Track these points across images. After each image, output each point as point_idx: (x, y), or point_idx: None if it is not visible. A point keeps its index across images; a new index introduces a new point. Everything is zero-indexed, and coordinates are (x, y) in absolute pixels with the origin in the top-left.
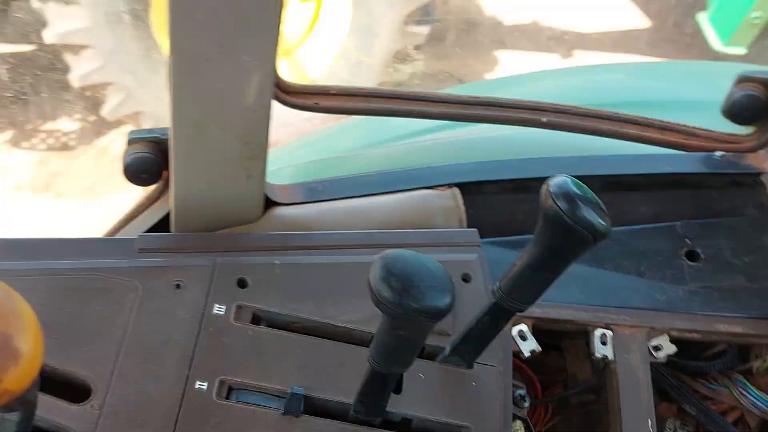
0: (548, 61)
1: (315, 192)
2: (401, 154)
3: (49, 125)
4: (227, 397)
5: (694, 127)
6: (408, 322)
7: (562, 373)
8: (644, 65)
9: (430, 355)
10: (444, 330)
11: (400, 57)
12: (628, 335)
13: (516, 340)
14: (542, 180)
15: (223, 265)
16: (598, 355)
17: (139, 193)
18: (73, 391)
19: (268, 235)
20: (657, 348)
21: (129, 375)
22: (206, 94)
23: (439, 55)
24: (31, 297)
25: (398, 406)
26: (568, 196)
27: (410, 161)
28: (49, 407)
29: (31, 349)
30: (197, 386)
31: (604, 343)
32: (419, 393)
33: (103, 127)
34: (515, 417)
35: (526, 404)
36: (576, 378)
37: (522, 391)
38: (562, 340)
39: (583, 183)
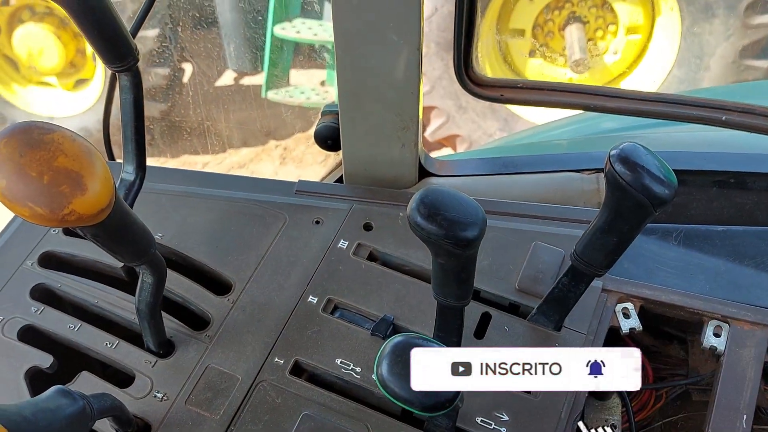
0: None
1: (467, 167)
2: (563, 142)
3: None
4: (331, 313)
5: None
6: (438, 248)
7: (683, 366)
8: None
9: (523, 314)
10: (535, 291)
11: None
12: (747, 331)
13: (618, 315)
14: (700, 173)
15: (356, 210)
16: (706, 345)
17: None
18: (218, 286)
19: (399, 192)
20: None
21: (261, 282)
22: (363, 70)
23: None
24: (207, 215)
25: None
26: (626, 161)
27: (566, 149)
28: (197, 294)
29: (98, 188)
30: (309, 299)
31: (717, 335)
32: (500, 342)
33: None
34: (609, 392)
35: None
36: (697, 372)
37: None
38: (687, 333)
39: (744, 180)
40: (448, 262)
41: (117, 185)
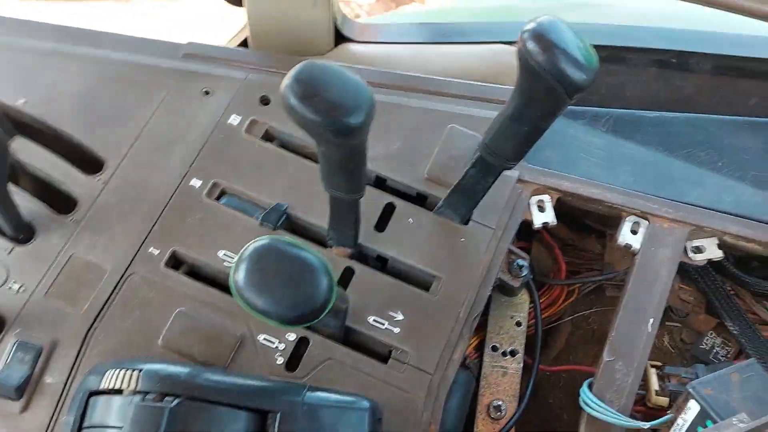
0: None
1: (391, 33)
2: (514, 9)
3: None
4: (216, 199)
5: None
6: (318, 136)
7: (600, 261)
8: None
9: (430, 205)
10: (445, 180)
11: None
12: (666, 228)
13: (532, 209)
14: (640, 51)
15: (253, 81)
16: (621, 243)
17: None
18: (88, 164)
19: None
20: (698, 249)
21: (138, 160)
22: None
23: None
24: (78, 79)
25: (377, 243)
26: (540, 38)
27: (508, 17)
28: (63, 171)
29: None
30: (191, 183)
31: (634, 232)
32: (402, 236)
33: None
34: (514, 286)
35: (523, 274)
36: (612, 268)
37: (523, 262)
38: (606, 227)
39: (686, 60)
40: (331, 151)
41: None
